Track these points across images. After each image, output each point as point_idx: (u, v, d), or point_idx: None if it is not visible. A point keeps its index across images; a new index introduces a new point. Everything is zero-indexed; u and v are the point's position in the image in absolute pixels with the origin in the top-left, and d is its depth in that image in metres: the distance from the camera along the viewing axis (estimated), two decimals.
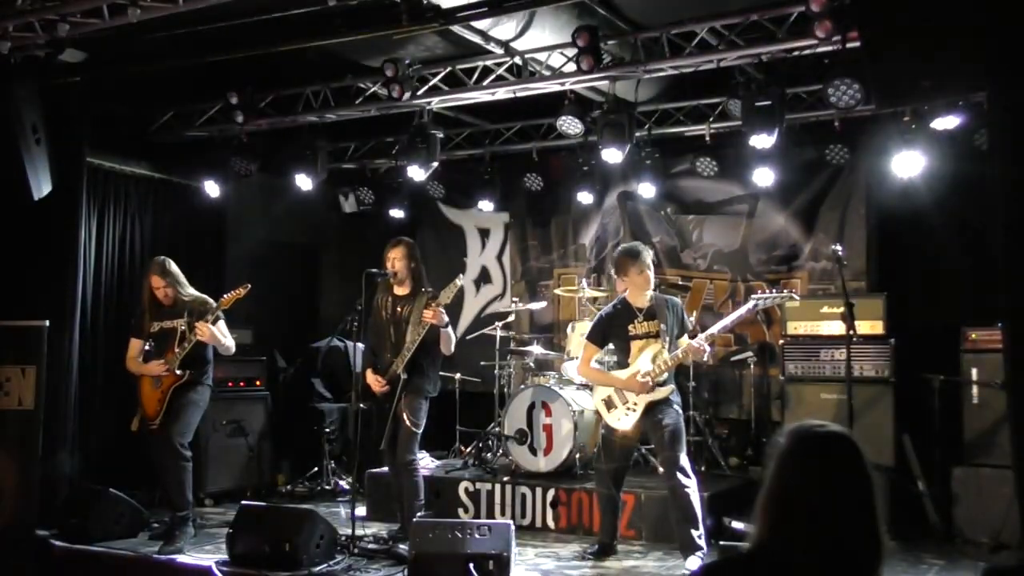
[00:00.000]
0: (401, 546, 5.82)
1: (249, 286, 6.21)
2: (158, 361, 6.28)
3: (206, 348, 6.39)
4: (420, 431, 6.13)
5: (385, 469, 7.65)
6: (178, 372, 6.22)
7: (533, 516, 6.83)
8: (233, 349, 6.54)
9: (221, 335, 6.30)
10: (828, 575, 1.96)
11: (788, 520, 2.00)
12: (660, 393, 5.69)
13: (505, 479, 7.04)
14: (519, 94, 7.25)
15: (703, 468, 7.41)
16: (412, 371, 6.03)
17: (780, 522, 2.01)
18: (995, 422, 6.26)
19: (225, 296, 6.19)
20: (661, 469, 5.75)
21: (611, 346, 6.10)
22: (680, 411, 5.78)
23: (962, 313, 6.76)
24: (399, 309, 6.18)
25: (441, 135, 7.90)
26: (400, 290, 6.23)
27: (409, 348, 5.98)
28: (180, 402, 6.26)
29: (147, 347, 6.40)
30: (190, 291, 6.44)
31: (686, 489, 5.51)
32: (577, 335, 7.59)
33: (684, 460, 5.59)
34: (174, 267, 6.42)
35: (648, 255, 5.90)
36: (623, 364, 5.88)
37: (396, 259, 6.15)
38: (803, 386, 7.04)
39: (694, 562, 5.38)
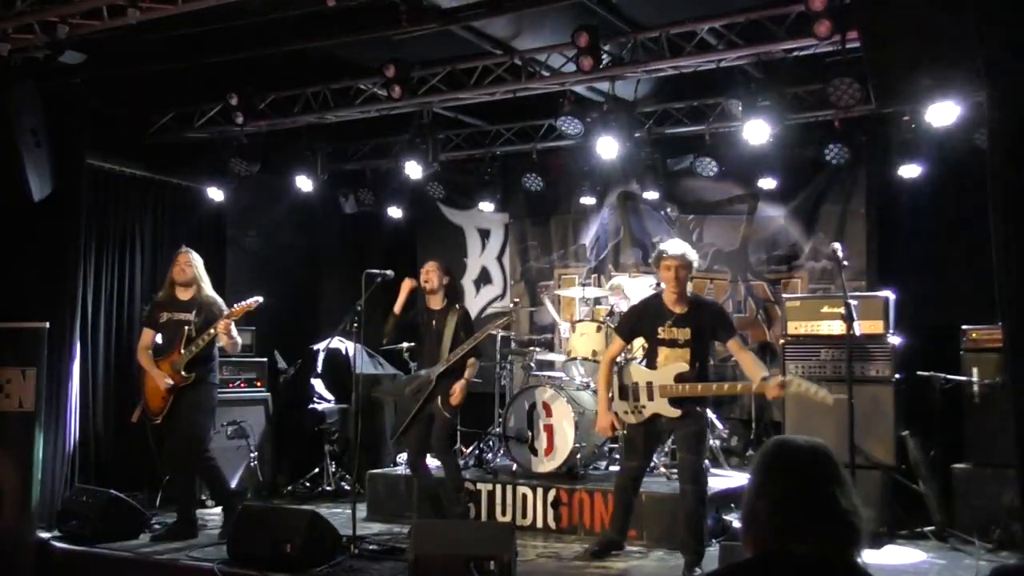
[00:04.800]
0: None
1: (260, 299, 6.27)
2: (165, 372, 6.24)
3: (211, 347, 6.36)
4: (455, 419, 6.57)
5: (385, 470, 7.68)
6: (183, 374, 6.20)
7: (534, 516, 6.82)
8: (239, 348, 6.61)
9: (235, 334, 6.34)
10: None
11: (761, 532, 2.07)
12: (670, 411, 5.48)
13: (506, 479, 7.04)
14: (519, 94, 7.25)
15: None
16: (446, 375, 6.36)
17: (755, 534, 2.09)
18: (996, 421, 6.26)
19: (236, 307, 6.21)
20: (677, 470, 5.71)
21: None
22: (705, 413, 5.68)
23: (962, 312, 6.76)
24: (435, 322, 6.48)
25: (441, 135, 7.91)
26: (433, 302, 6.53)
27: (447, 361, 6.31)
28: (186, 404, 6.24)
29: (158, 339, 6.43)
30: (209, 291, 6.47)
31: (697, 496, 5.46)
32: (577, 335, 7.59)
33: (703, 466, 5.54)
34: (199, 261, 6.49)
35: (678, 257, 5.51)
36: (651, 364, 5.66)
37: (430, 271, 6.48)
38: None
39: None
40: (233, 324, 6.27)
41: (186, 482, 6.43)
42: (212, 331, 6.16)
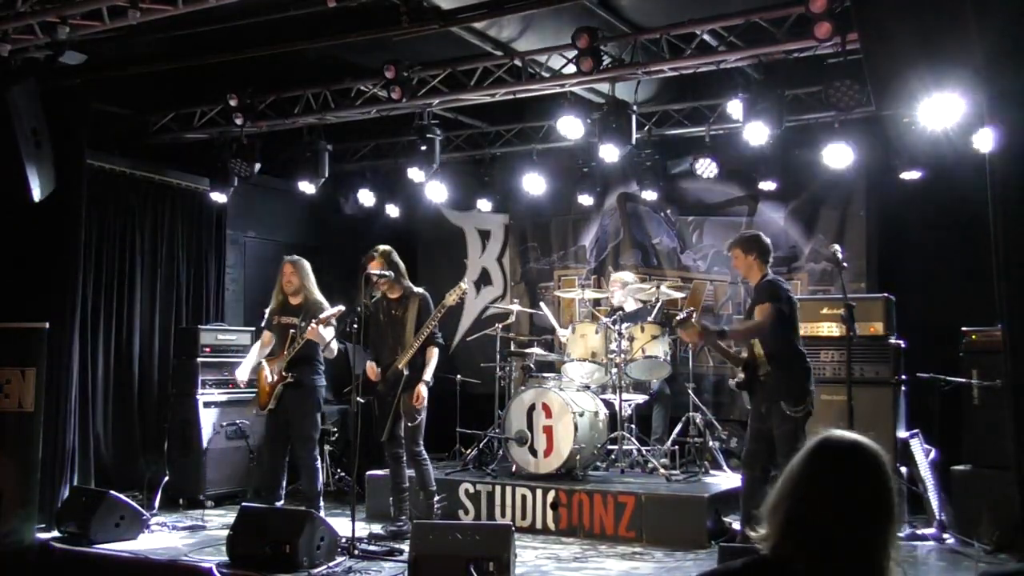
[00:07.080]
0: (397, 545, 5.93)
1: (342, 308, 6.48)
2: (271, 371, 6.54)
3: (315, 350, 6.57)
4: (420, 421, 6.33)
5: (384, 471, 7.66)
6: (284, 374, 6.46)
7: (533, 517, 6.82)
8: (335, 353, 6.75)
9: (327, 336, 6.48)
10: None
11: (798, 529, 1.94)
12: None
13: (505, 481, 7.04)
14: (519, 95, 7.25)
15: (704, 469, 7.40)
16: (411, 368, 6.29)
17: (789, 530, 1.95)
18: (995, 422, 6.25)
19: (322, 315, 6.41)
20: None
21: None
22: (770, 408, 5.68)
23: (962, 313, 6.76)
24: (394, 312, 6.43)
25: (441, 136, 7.90)
26: (392, 293, 6.47)
27: (412, 347, 6.24)
28: (292, 404, 6.46)
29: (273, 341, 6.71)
30: (315, 295, 6.67)
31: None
32: (578, 336, 7.58)
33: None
34: (306, 265, 6.71)
35: (742, 242, 5.78)
36: None
37: (374, 271, 6.34)
38: None
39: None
40: (331, 330, 6.47)
41: (304, 475, 6.58)
42: (304, 335, 6.43)
